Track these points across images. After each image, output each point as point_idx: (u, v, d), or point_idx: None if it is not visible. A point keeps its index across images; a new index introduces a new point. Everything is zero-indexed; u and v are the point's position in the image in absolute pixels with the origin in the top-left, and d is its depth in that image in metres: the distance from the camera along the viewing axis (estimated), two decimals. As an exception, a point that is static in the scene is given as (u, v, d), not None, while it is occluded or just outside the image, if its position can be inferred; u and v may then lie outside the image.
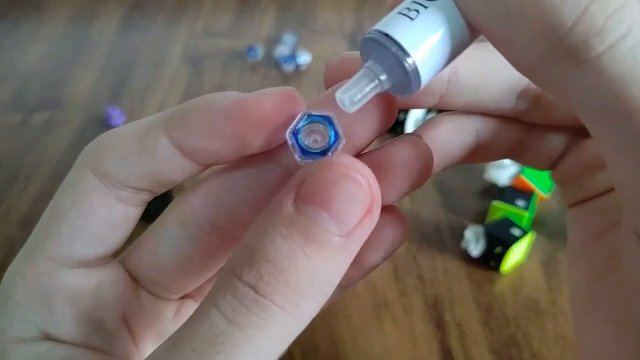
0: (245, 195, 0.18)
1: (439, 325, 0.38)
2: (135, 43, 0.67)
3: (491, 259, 0.41)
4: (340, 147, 0.16)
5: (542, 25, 0.12)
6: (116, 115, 0.55)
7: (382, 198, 0.15)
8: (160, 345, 0.14)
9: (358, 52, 0.16)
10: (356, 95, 0.14)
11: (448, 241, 0.43)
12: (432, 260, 0.42)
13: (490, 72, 0.19)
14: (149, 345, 0.20)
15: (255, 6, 0.73)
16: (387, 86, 0.15)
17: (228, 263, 0.14)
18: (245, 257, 0.13)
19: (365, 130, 0.17)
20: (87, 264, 0.18)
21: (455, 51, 0.14)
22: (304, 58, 0.61)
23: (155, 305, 0.20)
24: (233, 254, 0.14)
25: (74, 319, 0.17)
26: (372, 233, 0.15)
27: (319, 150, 0.15)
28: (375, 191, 0.14)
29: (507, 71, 0.19)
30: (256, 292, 0.13)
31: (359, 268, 0.18)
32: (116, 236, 0.18)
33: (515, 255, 0.40)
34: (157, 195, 0.18)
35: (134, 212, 0.18)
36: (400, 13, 0.14)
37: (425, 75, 0.14)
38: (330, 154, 0.15)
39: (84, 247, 0.17)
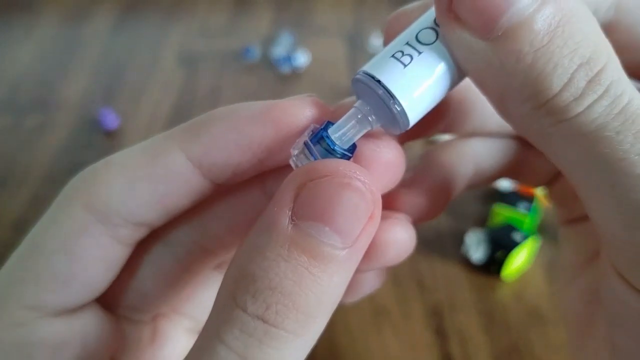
0: (231, 221, 0.18)
1: (439, 332, 0.37)
2: (129, 44, 0.66)
3: (492, 264, 0.40)
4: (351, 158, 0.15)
5: (533, 89, 0.13)
6: (110, 118, 0.54)
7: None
8: None
9: (414, 5, 0.16)
10: (346, 134, 0.15)
11: (449, 246, 0.43)
12: (432, 266, 0.41)
13: None
14: None
15: (251, 6, 0.72)
16: (375, 125, 0.15)
17: (224, 290, 0.13)
18: (247, 286, 0.12)
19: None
20: (71, 310, 0.16)
21: (445, 93, 0.15)
22: (302, 59, 0.60)
23: (134, 331, 0.19)
24: (228, 278, 0.13)
25: None
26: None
27: (338, 150, 0.15)
28: (377, 195, 0.13)
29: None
30: (265, 322, 0.12)
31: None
32: (107, 280, 0.16)
33: (518, 260, 0.40)
34: (157, 230, 0.17)
35: (128, 252, 0.17)
36: (393, 57, 0.14)
37: (413, 118, 0.14)
38: (347, 157, 0.15)
39: (70, 295, 0.16)
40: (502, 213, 0.42)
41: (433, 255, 0.42)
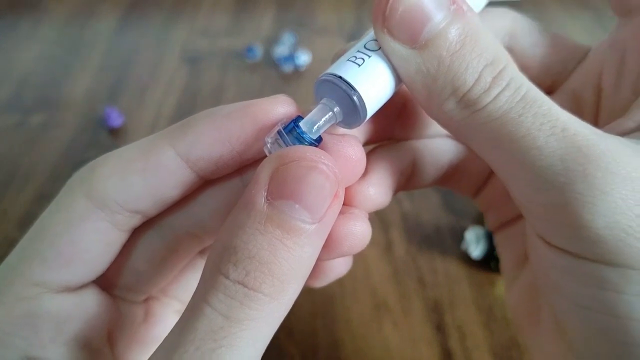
0: (214, 209, 0.19)
1: (440, 327, 0.38)
2: (133, 43, 0.67)
3: (491, 260, 0.40)
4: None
5: (452, 87, 0.16)
6: (114, 116, 0.54)
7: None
8: (158, 349, 0.14)
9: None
10: (314, 125, 0.17)
11: (448, 243, 0.43)
12: (432, 263, 0.42)
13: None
14: (125, 353, 0.21)
15: (254, 6, 0.72)
16: (340, 118, 0.17)
17: (210, 262, 0.15)
18: (229, 256, 0.14)
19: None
20: (73, 288, 0.18)
21: (393, 89, 0.18)
22: (304, 58, 0.61)
23: (128, 311, 0.21)
24: (213, 252, 0.15)
25: (61, 343, 0.17)
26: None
27: (307, 139, 0.17)
28: (340, 177, 0.15)
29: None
30: (245, 286, 0.14)
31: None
32: (105, 262, 0.18)
33: (516, 257, 0.40)
34: (149, 218, 0.19)
35: (124, 237, 0.18)
36: (349, 60, 0.17)
37: (370, 107, 0.17)
38: (315, 146, 0.17)
39: (71, 274, 0.17)
40: (501, 210, 0.43)
41: (433, 251, 0.42)
